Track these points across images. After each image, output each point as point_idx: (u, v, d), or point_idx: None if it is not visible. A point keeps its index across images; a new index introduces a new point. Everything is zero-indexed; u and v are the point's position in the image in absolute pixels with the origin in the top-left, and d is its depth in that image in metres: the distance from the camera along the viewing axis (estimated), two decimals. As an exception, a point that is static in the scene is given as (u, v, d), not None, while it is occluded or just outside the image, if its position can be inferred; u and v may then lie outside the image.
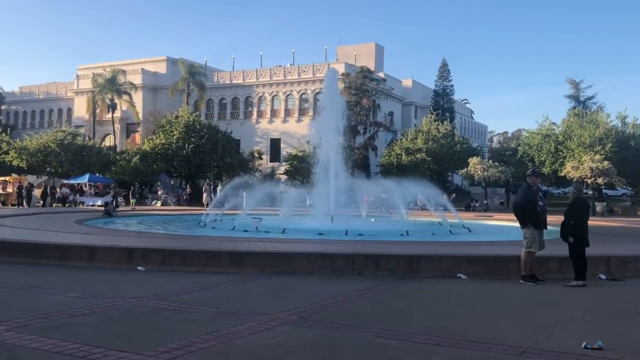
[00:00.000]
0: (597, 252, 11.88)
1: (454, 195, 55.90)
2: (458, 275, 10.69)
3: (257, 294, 8.71)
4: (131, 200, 37.46)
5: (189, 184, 47.86)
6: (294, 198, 29.66)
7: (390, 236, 19.08)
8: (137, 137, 66.74)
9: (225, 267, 10.75)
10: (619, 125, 49.17)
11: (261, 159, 64.13)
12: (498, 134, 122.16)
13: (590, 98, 73.32)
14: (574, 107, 61.71)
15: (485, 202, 45.81)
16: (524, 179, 59.30)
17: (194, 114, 48.93)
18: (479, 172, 44.59)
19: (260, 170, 62.93)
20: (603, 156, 42.67)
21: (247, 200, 32.37)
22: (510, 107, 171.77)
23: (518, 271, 10.50)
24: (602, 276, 10.99)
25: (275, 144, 67.72)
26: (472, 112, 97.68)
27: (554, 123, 51.23)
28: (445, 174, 58.86)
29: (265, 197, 28.16)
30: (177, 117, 47.61)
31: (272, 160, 66.81)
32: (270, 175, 63.28)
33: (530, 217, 10.16)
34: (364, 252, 11.11)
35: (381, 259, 10.81)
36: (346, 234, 18.80)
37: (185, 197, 43.04)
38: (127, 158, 47.72)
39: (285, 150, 63.26)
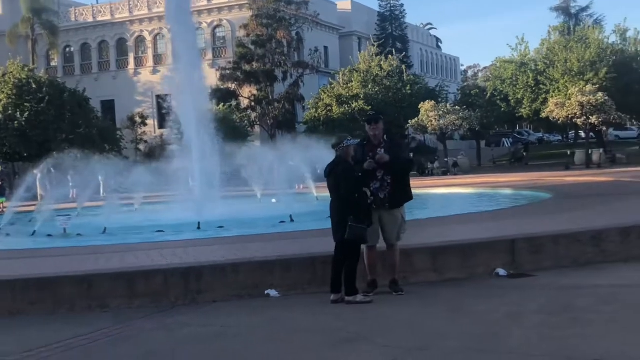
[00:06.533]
0: (499, 233, 10.89)
1: (411, 155, 54.71)
2: (267, 291, 9.06)
3: None
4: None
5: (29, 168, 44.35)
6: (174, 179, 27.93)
7: (265, 226, 17.51)
8: (-33, 107, 62.90)
9: None
10: (618, 42, 48.60)
11: (145, 124, 61.64)
12: (470, 67, 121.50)
13: (584, 9, 73.18)
14: (564, 23, 61.20)
15: (446, 160, 44.52)
16: (493, 126, 58.22)
17: (27, 68, 45.73)
18: (433, 120, 43.22)
19: (145, 141, 60.49)
20: (597, 86, 41.92)
21: (104, 187, 30.28)
22: (493, 34, 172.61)
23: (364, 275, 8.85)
24: (501, 271, 9.68)
25: (163, 103, 64.93)
26: (438, 40, 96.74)
27: (540, 47, 50.27)
28: (397, 127, 57.41)
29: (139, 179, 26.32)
30: (3, 75, 44.41)
31: (161, 126, 64.09)
32: (160, 147, 60.72)
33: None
34: (110, 271, 9.06)
35: (138, 279, 8.82)
36: (198, 227, 17.55)
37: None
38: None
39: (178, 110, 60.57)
